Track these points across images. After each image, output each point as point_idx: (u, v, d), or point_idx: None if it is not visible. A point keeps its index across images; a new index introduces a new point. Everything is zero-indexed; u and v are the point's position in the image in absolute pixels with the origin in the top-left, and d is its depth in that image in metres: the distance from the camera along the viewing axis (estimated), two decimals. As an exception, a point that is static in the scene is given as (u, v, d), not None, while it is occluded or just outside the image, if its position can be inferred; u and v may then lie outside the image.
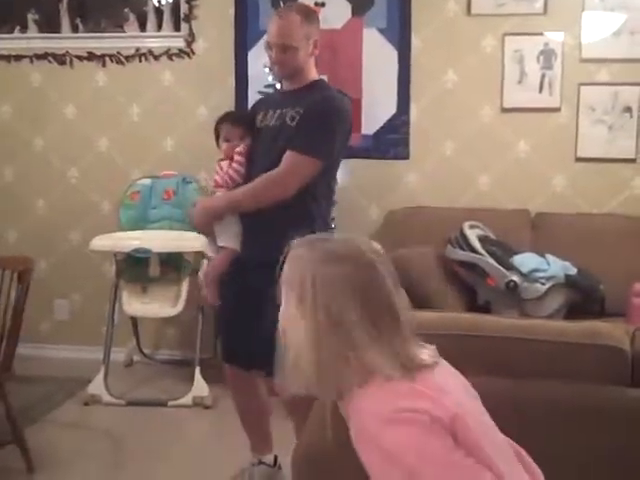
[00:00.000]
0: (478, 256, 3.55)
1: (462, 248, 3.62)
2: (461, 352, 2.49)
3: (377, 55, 4.24)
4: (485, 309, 3.51)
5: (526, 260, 3.56)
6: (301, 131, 2.75)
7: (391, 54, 4.23)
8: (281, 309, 1.54)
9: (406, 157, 4.27)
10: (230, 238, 2.87)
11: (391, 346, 1.48)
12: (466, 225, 3.69)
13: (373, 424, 1.44)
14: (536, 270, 3.49)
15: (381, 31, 4.23)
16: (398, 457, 1.42)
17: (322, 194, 2.84)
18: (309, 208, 2.78)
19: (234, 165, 2.87)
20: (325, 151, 2.78)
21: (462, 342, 2.48)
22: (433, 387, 1.49)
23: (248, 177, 2.84)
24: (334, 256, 1.49)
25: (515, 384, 2.44)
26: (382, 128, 4.28)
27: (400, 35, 4.21)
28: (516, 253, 3.65)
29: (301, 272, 1.49)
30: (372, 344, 1.47)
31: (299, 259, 1.52)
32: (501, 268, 3.49)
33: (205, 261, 3.93)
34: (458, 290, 3.59)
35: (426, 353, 1.56)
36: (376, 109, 4.28)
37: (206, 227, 2.93)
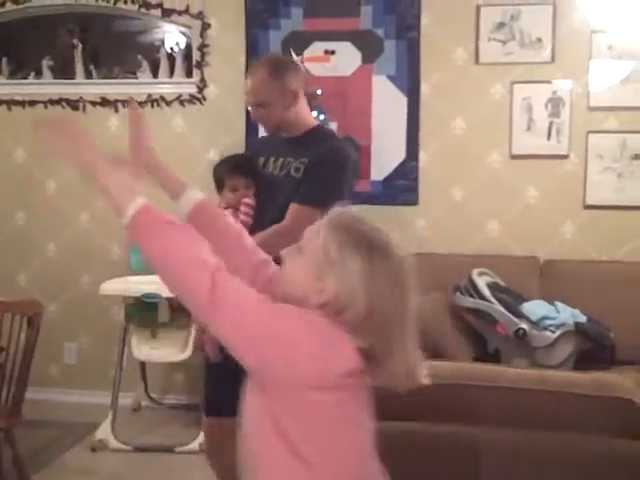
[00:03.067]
0: (487, 303, 3.54)
1: (471, 295, 3.61)
2: (471, 402, 2.49)
3: (386, 102, 4.29)
4: (495, 357, 3.49)
5: (535, 308, 3.55)
6: (307, 183, 2.70)
7: (400, 101, 4.27)
8: (297, 267, 1.56)
9: (415, 203, 4.29)
10: None
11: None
12: (475, 272, 3.69)
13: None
14: (546, 318, 3.48)
15: (390, 78, 4.28)
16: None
17: None
18: None
19: (242, 217, 2.83)
20: (331, 203, 2.75)
21: (472, 392, 2.49)
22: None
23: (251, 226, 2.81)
24: (382, 249, 1.54)
25: (526, 434, 2.44)
26: (391, 174, 4.31)
27: (409, 82, 4.26)
28: (525, 300, 3.64)
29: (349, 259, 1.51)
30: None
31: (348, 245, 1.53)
32: (511, 316, 3.48)
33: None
34: (467, 338, 3.58)
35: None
36: (385, 155, 4.31)
37: None
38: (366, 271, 1.50)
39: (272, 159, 2.84)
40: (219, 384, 2.64)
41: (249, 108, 2.93)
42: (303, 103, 2.84)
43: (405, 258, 1.58)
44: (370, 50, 4.30)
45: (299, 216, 2.63)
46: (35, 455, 3.71)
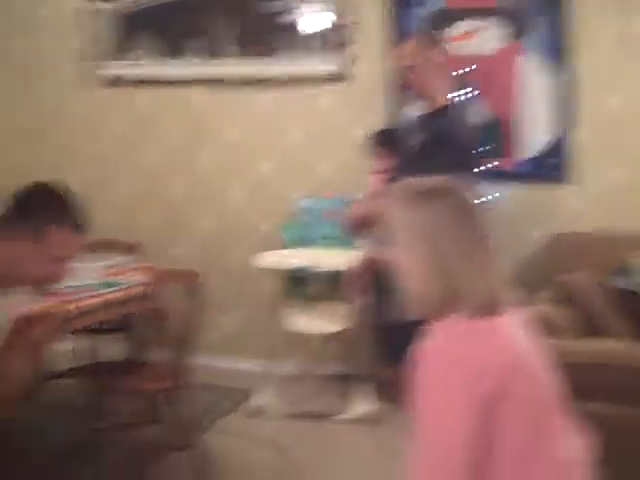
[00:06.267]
0: (644, 285, 3.47)
1: (627, 277, 3.54)
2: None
3: (535, 79, 4.22)
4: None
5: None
6: (420, 158, 2.98)
7: (549, 78, 4.19)
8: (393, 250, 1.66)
9: (567, 182, 4.21)
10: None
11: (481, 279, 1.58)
12: (632, 253, 3.61)
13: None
14: None
15: (539, 55, 4.20)
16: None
17: None
18: None
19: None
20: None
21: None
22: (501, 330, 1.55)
23: None
24: (431, 195, 1.64)
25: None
26: (541, 152, 4.25)
27: (559, 58, 4.16)
28: (687, 283, 3.54)
29: (402, 215, 1.64)
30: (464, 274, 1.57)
31: (399, 204, 1.66)
32: (671, 299, 3.40)
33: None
34: (626, 319, 3.51)
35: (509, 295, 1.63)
36: (534, 133, 4.25)
37: (357, 231, 3.40)
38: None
39: (411, 135, 3.22)
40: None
41: (403, 71, 3.28)
42: (445, 80, 3.22)
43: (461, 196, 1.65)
44: (517, 27, 4.23)
45: None
46: (196, 418, 3.89)
